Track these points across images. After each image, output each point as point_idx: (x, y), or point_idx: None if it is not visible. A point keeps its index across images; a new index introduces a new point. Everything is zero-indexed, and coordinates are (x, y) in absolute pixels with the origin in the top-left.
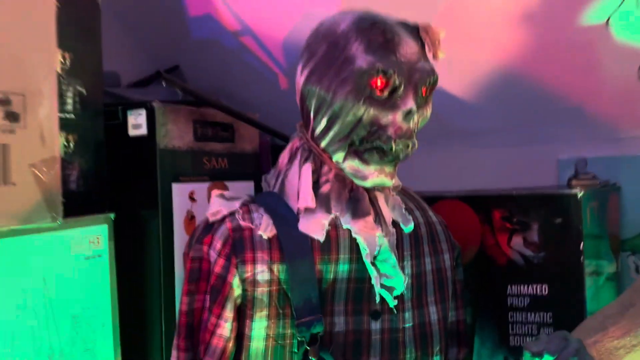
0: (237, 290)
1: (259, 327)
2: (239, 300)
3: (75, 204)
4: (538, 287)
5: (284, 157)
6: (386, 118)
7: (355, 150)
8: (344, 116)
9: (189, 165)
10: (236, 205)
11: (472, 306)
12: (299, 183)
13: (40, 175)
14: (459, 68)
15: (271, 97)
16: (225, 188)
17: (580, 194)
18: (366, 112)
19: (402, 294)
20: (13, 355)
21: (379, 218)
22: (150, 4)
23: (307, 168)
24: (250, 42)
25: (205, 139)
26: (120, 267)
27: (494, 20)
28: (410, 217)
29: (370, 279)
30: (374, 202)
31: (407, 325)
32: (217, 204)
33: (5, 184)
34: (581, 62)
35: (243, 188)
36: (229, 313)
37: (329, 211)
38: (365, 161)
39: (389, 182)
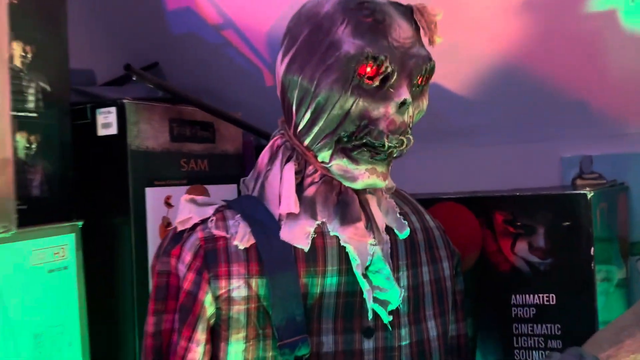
0: (209, 309)
1: (236, 351)
2: (212, 321)
3: (39, 211)
4: (545, 296)
5: (263, 156)
6: (377, 111)
7: (343, 148)
8: (329, 109)
9: (165, 168)
10: (209, 211)
11: (473, 317)
12: (280, 186)
13: None
14: (454, 59)
15: (256, 94)
16: (205, 192)
17: (590, 195)
18: (355, 104)
19: (397, 309)
20: None
21: (370, 224)
22: None
23: (290, 169)
24: (233, 36)
25: (183, 139)
26: (89, 279)
27: (492, 7)
28: (406, 222)
29: (361, 292)
30: (364, 206)
31: (403, 343)
32: (187, 210)
33: None
34: (585, 53)
35: (225, 191)
36: (200, 335)
37: (314, 217)
38: (354, 160)
39: (382, 183)
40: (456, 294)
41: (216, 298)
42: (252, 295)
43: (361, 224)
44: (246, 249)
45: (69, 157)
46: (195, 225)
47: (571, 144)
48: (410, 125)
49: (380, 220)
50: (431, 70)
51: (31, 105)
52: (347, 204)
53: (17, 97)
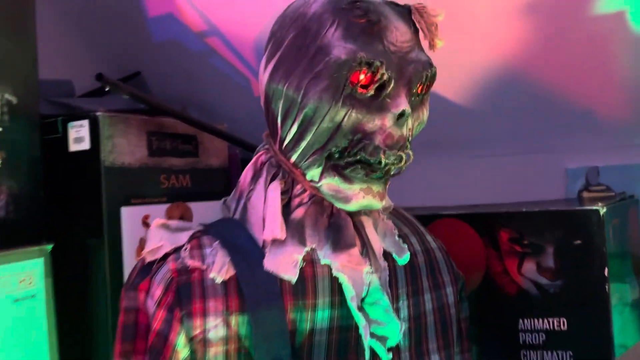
0: (183, 352)
1: None
2: None
3: (5, 234)
4: (555, 320)
5: (246, 174)
6: (372, 123)
7: (335, 165)
8: (318, 122)
9: (142, 185)
10: (183, 238)
11: (477, 344)
12: (264, 207)
13: None
14: (454, 67)
15: (242, 104)
16: (187, 210)
17: (603, 211)
18: (347, 115)
19: (397, 344)
20: None
21: (366, 249)
22: (105, 4)
23: (275, 188)
24: (218, 44)
25: (163, 153)
26: (60, 307)
27: (494, 11)
28: (405, 246)
29: (357, 327)
30: (359, 230)
31: None
32: (157, 237)
33: None
34: (590, 58)
35: (209, 209)
36: None
37: (302, 243)
38: (347, 179)
39: (378, 204)
40: (461, 321)
41: (190, 339)
42: (231, 335)
43: (356, 250)
44: (224, 282)
45: (38, 175)
46: (166, 255)
47: (576, 154)
48: (410, 139)
49: (377, 244)
50: (432, 78)
51: None
52: (339, 227)
53: None
